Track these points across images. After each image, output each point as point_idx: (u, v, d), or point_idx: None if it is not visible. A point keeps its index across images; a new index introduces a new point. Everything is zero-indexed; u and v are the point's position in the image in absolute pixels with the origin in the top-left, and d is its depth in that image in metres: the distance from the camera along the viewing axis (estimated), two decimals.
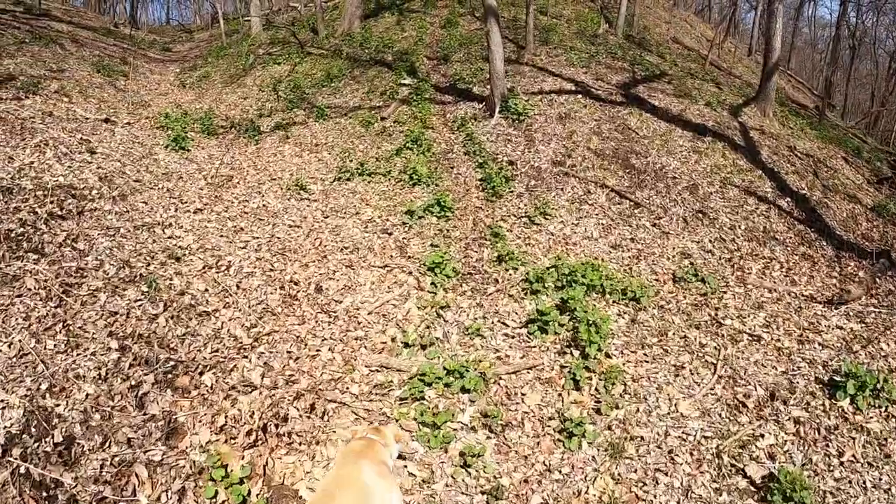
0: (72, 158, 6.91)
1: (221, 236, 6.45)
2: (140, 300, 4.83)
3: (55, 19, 17.75)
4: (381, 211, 7.88)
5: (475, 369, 4.65)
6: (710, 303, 6.55)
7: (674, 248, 7.77)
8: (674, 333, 5.72)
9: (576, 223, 7.82)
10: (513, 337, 5.26)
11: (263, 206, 7.76)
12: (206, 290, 5.29)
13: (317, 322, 5.32)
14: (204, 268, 5.64)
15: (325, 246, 6.87)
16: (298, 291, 5.75)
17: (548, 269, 6.39)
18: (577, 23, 16.99)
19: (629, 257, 7.38)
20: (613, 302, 6.04)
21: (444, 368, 4.60)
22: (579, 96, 11.70)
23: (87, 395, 4.06)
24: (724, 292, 6.87)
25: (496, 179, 8.34)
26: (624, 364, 5.05)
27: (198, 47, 21.31)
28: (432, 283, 6.06)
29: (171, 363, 4.30)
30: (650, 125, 11.34)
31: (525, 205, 8.07)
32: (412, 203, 7.87)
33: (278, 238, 6.87)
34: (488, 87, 11.05)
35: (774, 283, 7.49)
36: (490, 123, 10.37)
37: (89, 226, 5.66)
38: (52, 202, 5.75)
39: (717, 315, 6.29)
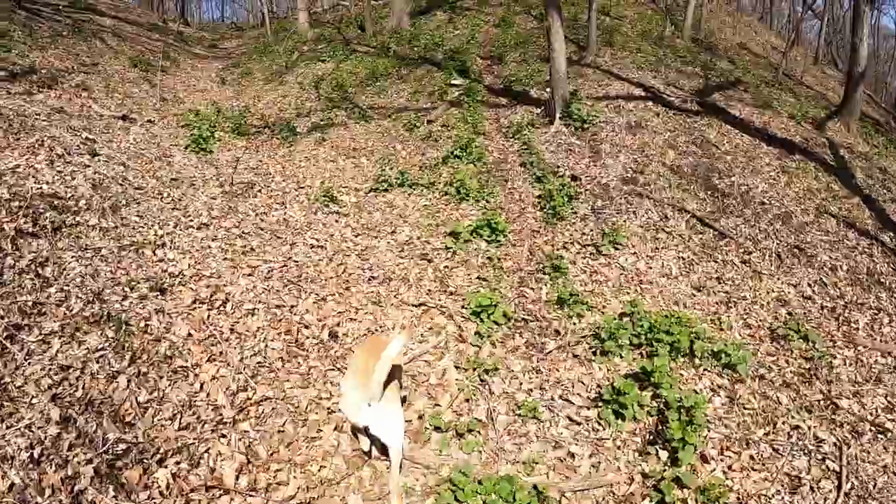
0: (67, 161, 5.99)
1: (225, 259, 5.38)
2: (102, 349, 3.78)
3: (100, 13, 17.33)
4: (422, 231, 6.76)
5: (528, 476, 3.37)
6: (819, 372, 5.14)
7: (768, 293, 6.38)
8: (783, 422, 4.34)
9: (651, 256, 6.49)
10: (578, 423, 3.93)
11: (284, 220, 6.71)
12: (190, 334, 4.20)
13: (325, 383, 4.17)
14: (194, 303, 4.56)
15: (351, 274, 5.76)
16: (308, 338, 4.61)
17: (621, 317, 5.11)
18: (641, 24, 15.62)
19: (716, 303, 6.02)
20: (705, 370, 4.70)
21: (479, 482, 3.20)
22: (649, 103, 10.35)
23: (12, 486, 3.03)
24: (833, 356, 5.47)
25: (557, 197, 7.08)
26: (727, 473, 3.71)
27: (245, 45, 20.69)
28: (477, 333, 4.83)
29: (123, 445, 3.22)
30: (731, 139, 9.91)
31: (591, 230, 6.79)
32: (458, 223, 6.71)
33: (295, 262, 5.78)
34: (547, 89, 9.80)
35: (886, 342, 6.04)
36: (550, 131, 9.10)
37: (64, 246, 4.67)
38: (25, 215, 4.80)
39: (830, 392, 4.89)
